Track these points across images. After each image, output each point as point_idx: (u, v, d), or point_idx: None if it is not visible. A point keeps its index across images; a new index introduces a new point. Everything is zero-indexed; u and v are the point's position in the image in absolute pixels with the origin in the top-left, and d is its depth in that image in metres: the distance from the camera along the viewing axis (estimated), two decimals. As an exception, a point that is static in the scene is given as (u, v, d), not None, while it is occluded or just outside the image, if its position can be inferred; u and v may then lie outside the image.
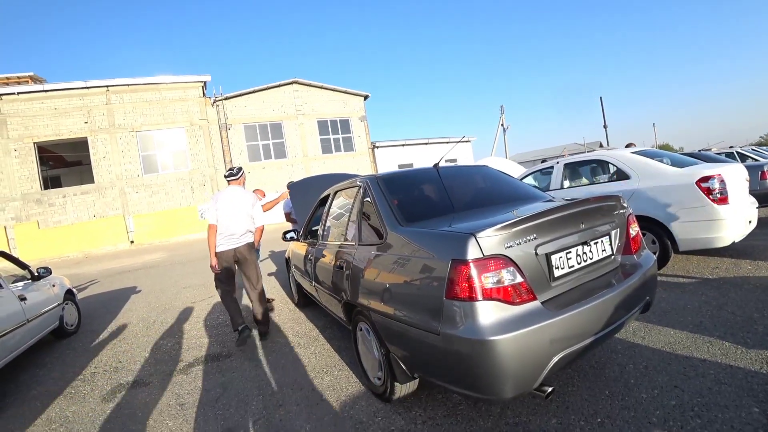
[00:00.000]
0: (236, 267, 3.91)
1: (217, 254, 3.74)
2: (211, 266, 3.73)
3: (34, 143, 18.19)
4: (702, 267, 4.19)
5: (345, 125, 24.14)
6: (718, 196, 3.76)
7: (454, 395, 2.31)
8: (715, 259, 4.35)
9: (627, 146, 7.81)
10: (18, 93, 18.00)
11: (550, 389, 1.67)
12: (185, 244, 16.84)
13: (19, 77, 20.67)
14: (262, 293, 3.96)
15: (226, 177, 4.03)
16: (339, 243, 2.99)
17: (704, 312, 3.03)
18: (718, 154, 9.84)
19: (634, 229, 2.33)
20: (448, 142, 26.35)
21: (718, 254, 4.52)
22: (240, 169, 4.12)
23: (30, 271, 4.62)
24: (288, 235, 4.27)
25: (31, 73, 21.03)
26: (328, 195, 3.63)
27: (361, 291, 2.41)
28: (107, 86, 19.18)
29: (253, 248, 3.92)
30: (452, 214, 2.33)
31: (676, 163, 4.43)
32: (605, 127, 28.44)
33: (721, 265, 4.16)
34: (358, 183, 2.87)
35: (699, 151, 14.57)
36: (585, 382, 2.30)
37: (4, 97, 17.87)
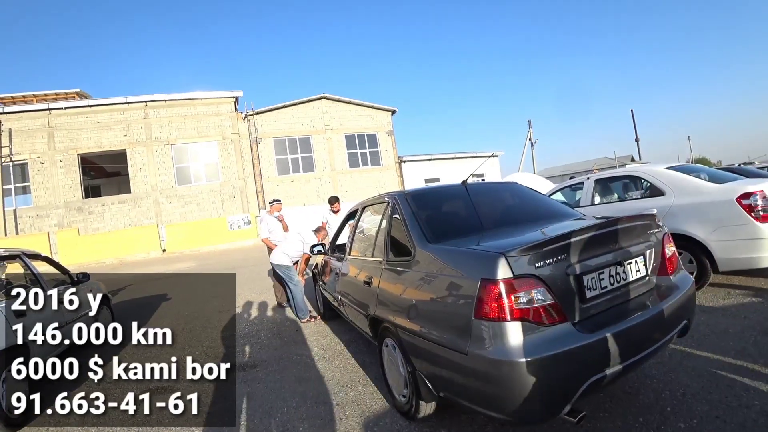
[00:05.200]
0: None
1: None
2: None
3: (78, 154, 19.24)
4: (745, 289, 3.98)
5: (372, 140, 24.34)
6: (761, 213, 3.58)
7: (481, 416, 2.27)
8: (760, 280, 4.13)
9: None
10: (66, 108, 19.20)
11: (581, 414, 1.62)
12: (215, 254, 17.26)
13: (66, 93, 22.00)
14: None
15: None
16: (366, 258, 3.00)
17: (748, 337, 2.87)
18: (760, 168, 9.38)
19: (670, 249, 2.25)
20: (474, 157, 26.15)
21: (763, 275, 4.29)
22: (272, 201, 6.33)
23: (70, 276, 4.84)
24: (315, 249, 4.33)
25: (78, 89, 22.33)
26: (356, 210, 3.67)
27: (388, 307, 2.41)
28: (146, 101, 20.15)
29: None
30: (481, 232, 2.31)
31: (714, 179, 4.25)
32: (637, 140, 27.71)
33: (766, 286, 3.94)
34: (386, 199, 2.88)
35: (739, 165, 13.97)
36: (618, 408, 2.21)
37: (53, 111, 19.04)
